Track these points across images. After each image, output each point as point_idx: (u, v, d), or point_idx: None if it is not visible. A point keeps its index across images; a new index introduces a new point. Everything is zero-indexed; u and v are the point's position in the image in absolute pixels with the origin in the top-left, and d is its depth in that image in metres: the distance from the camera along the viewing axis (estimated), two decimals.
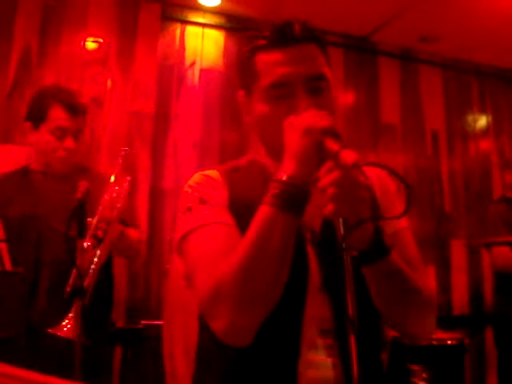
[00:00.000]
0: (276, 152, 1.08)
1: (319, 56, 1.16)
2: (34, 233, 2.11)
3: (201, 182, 1.20)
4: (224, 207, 1.15)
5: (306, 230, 1.15)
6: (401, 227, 1.23)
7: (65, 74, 3.23)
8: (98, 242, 1.93)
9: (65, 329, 1.70)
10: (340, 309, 0.90)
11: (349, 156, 0.88)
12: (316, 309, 1.11)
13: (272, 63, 1.12)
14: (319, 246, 1.15)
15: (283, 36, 1.13)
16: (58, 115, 2.18)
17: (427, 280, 1.20)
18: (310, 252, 1.14)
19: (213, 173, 1.23)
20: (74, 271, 1.75)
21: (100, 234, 1.93)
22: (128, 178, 2.15)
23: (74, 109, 2.20)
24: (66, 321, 1.71)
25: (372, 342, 1.18)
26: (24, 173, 2.30)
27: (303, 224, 1.12)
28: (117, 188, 2.06)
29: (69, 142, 2.19)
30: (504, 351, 3.26)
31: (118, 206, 2.00)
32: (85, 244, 1.88)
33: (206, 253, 1.08)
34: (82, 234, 1.73)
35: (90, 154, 3.16)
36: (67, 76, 3.22)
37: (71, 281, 1.81)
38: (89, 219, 1.91)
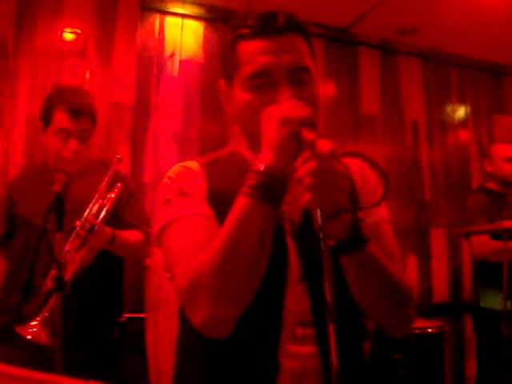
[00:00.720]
0: (255, 142, 1.06)
1: (303, 47, 1.15)
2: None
3: (180, 173, 1.19)
4: (203, 199, 1.14)
5: (286, 221, 1.15)
6: (381, 219, 1.23)
7: (42, 65, 3.19)
8: (80, 244, 1.99)
9: (30, 330, 1.72)
10: (318, 299, 0.90)
11: (324, 145, 0.89)
12: (295, 300, 1.11)
13: (254, 52, 1.11)
14: (298, 236, 1.14)
15: (267, 25, 1.11)
16: (60, 118, 2.22)
17: (405, 272, 1.20)
18: (290, 243, 1.14)
19: (192, 164, 1.22)
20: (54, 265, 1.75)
21: (82, 235, 1.99)
22: (119, 185, 2.19)
23: (77, 111, 2.23)
24: (34, 323, 1.73)
25: (352, 332, 1.18)
26: (42, 169, 2.37)
27: (283, 215, 1.13)
28: (110, 195, 2.15)
29: (72, 144, 2.23)
30: (483, 338, 3.31)
31: (105, 212, 2.07)
32: (67, 247, 1.96)
33: (184, 244, 1.08)
34: (60, 227, 1.71)
35: None
36: (44, 67, 3.18)
37: (51, 275, 1.81)
38: (77, 222, 2.00)
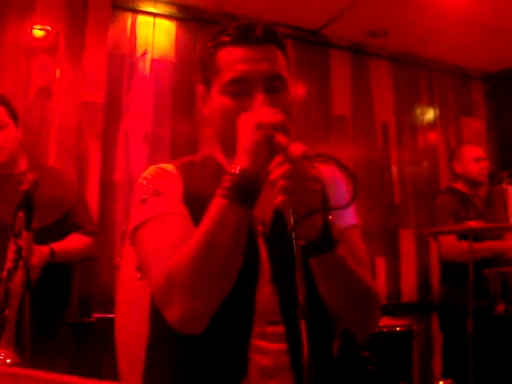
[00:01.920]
0: (230, 148, 1.10)
1: (280, 57, 1.20)
2: None
3: (155, 174, 1.22)
4: (178, 199, 1.17)
5: (258, 224, 1.18)
6: (351, 224, 1.27)
7: (11, 62, 3.14)
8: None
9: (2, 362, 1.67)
10: (288, 298, 0.92)
11: (296, 149, 0.92)
12: (266, 300, 1.14)
13: (233, 59, 1.15)
14: (268, 238, 1.18)
15: (246, 35, 1.16)
16: None
17: (372, 278, 1.23)
18: (261, 245, 1.17)
19: (168, 166, 1.25)
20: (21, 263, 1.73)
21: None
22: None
23: None
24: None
25: (321, 330, 1.20)
26: None
27: (255, 217, 1.15)
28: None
29: None
30: (448, 336, 3.37)
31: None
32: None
33: (159, 242, 1.10)
34: (29, 227, 1.70)
35: (39, 146, 3.08)
36: (14, 65, 3.13)
37: (19, 275, 1.79)
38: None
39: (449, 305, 3.34)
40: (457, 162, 3.57)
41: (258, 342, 1.12)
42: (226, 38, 1.18)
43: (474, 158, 3.48)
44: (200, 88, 1.27)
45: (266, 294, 1.14)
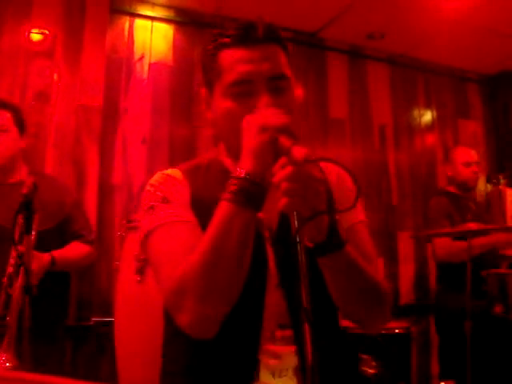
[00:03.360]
0: (235, 150, 1.10)
1: (281, 57, 1.20)
2: None
3: (163, 181, 1.22)
4: (186, 206, 1.18)
5: (265, 229, 1.19)
6: (358, 221, 1.28)
7: (8, 66, 3.13)
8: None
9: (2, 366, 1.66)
10: (295, 302, 0.93)
11: (299, 152, 0.92)
12: (275, 305, 1.16)
13: (235, 61, 1.15)
14: (275, 243, 1.18)
15: (247, 35, 1.15)
16: None
17: (380, 273, 1.24)
18: (269, 250, 1.18)
19: (175, 172, 1.25)
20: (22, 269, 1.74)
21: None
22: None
23: None
24: None
25: (329, 332, 1.22)
26: None
27: (262, 223, 1.17)
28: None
29: None
30: (445, 338, 3.37)
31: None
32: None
33: (169, 249, 1.11)
34: (29, 230, 1.70)
35: (36, 150, 3.08)
36: (11, 69, 3.13)
37: (20, 281, 1.79)
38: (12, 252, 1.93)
39: (445, 306, 3.35)
40: (448, 166, 3.59)
41: (267, 345, 1.14)
42: (226, 40, 1.17)
43: (464, 163, 3.49)
44: (203, 91, 1.27)
45: (274, 298, 1.16)
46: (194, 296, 1.02)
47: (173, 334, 1.19)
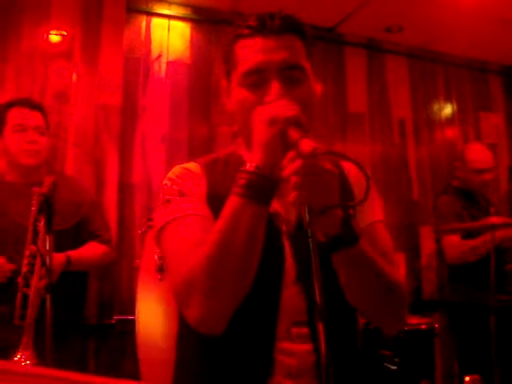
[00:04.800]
0: (250, 142, 1.07)
1: (299, 47, 1.17)
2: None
3: (180, 175, 1.21)
4: (202, 200, 1.16)
5: (283, 223, 1.17)
6: (376, 220, 1.25)
7: (28, 68, 3.17)
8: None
9: (23, 363, 1.65)
10: (313, 298, 0.91)
11: (307, 145, 0.90)
12: (292, 301, 1.13)
13: (250, 50, 1.13)
14: (293, 238, 1.16)
15: (265, 25, 1.13)
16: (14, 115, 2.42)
17: (397, 271, 1.21)
18: (286, 245, 1.15)
19: (192, 166, 1.24)
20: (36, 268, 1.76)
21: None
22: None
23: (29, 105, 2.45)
24: (19, 355, 1.67)
25: (345, 329, 1.20)
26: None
27: (279, 217, 1.15)
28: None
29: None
30: (463, 335, 3.31)
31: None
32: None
33: (181, 244, 1.09)
34: (49, 230, 1.71)
35: (57, 150, 3.11)
36: (30, 70, 3.16)
37: (35, 280, 1.82)
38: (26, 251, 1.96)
39: (459, 302, 3.27)
40: (460, 165, 3.43)
41: (283, 343, 1.12)
42: (244, 31, 1.16)
43: (477, 170, 3.34)
44: (223, 82, 1.25)
45: (291, 294, 1.13)
46: (201, 291, 1.00)
47: (185, 330, 1.17)
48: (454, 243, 3.18)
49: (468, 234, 3.05)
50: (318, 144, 0.91)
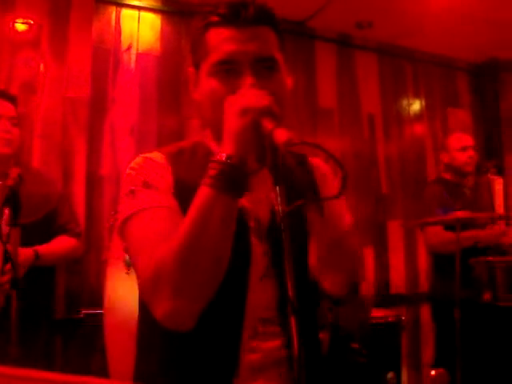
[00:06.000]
0: (220, 133, 1.04)
1: (272, 39, 1.16)
2: None
3: (144, 164, 1.17)
4: (168, 191, 1.13)
5: (251, 219, 1.15)
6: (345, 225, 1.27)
7: None
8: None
9: None
10: (283, 293, 0.91)
11: (281, 135, 0.89)
12: (259, 297, 1.12)
13: (222, 39, 1.11)
14: (268, 234, 1.15)
15: (237, 14, 1.11)
16: None
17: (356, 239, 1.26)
18: (254, 241, 1.14)
19: (156, 155, 1.20)
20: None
21: None
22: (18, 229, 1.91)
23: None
24: None
25: (313, 323, 1.21)
26: None
27: (247, 212, 1.13)
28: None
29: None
30: (439, 326, 3.39)
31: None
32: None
33: (147, 236, 1.06)
34: (15, 223, 1.68)
35: (23, 141, 3.04)
36: None
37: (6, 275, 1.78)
38: None
39: (439, 295, 3.36)
40: (444, 153, 3.57)
41: (249, 341, 1.10)
42: (215, 18, 1.13)
43: (460, 148, 3.46)
44: (190, 70, 1.22)
45: (257, 290, 1.12)
46: (170, 286, 0.96)
47: (148, 325, 1.13)
48: (436, 233, 3.25)
49: (451, 227, 3.10)
50: (292, 134, 0.89)
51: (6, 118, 2.42)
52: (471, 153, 3.47)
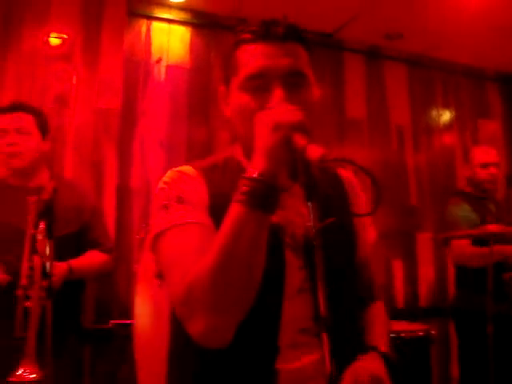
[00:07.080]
0: (250, 147, 1.03)
1: (302, 55, 1.17)
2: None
3: (178, 179, 1.17)
4: (202, 207, 1.12)
5: (286, 234, 1.15)
6: (371, 242, 1.33)
7: (27, 71, 3.16)
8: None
9: (25, 374, 1.62)
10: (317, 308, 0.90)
11: (315, 151, 0.88)
12: (295, 311, 1.11)
13: (253, 55, 1.13)
14: (304, 249, 1.15)
15: (268, 31, 1.13)
16: None
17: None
18: (289, 255, 1.13)
19: (189, 170, 1.20)
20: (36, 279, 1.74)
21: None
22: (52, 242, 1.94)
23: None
24: (22, 369, 1.63)
25: (351, 340, 1.20)
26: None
27: (282, 228, 1.13)
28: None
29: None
30: (465, 341, 3.32)
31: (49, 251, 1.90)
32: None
33: (180, 253, 1.05)
34: (50, 235, 1.70)
35: (55, 153, 3.10)
36: (30, 73, 3.15)
37: (36, 292, 1.80)
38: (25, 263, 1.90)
39: (465, 309, 3.29)
40: (466, 166, 3.51)
41: (288, 352, 1.10)
42: (247, 36, 1.15)
43: (482, 164, 3.38)
44: (221, 88, 1.24)
45: (295, 304, 1.11)
46: (204, 304, 0.96)
47: (181, 340, 1.13)
48: (462, 247, 3.18)
49: (479, 241, 3.05)
50: (325, 150, 0.88)
51: (13, 130, 2.36)
52: (493, 170, 3.39)
